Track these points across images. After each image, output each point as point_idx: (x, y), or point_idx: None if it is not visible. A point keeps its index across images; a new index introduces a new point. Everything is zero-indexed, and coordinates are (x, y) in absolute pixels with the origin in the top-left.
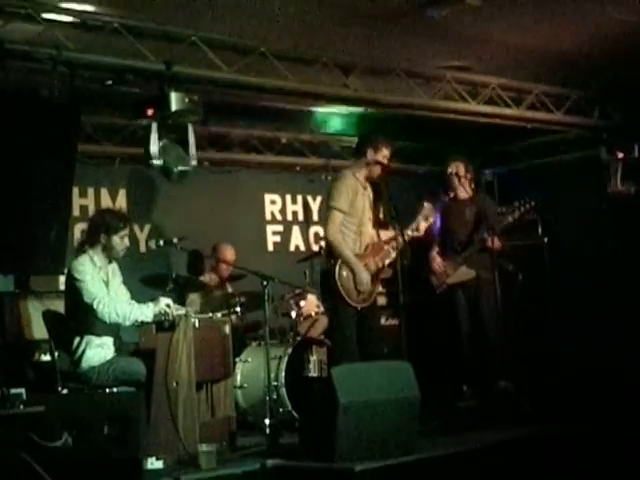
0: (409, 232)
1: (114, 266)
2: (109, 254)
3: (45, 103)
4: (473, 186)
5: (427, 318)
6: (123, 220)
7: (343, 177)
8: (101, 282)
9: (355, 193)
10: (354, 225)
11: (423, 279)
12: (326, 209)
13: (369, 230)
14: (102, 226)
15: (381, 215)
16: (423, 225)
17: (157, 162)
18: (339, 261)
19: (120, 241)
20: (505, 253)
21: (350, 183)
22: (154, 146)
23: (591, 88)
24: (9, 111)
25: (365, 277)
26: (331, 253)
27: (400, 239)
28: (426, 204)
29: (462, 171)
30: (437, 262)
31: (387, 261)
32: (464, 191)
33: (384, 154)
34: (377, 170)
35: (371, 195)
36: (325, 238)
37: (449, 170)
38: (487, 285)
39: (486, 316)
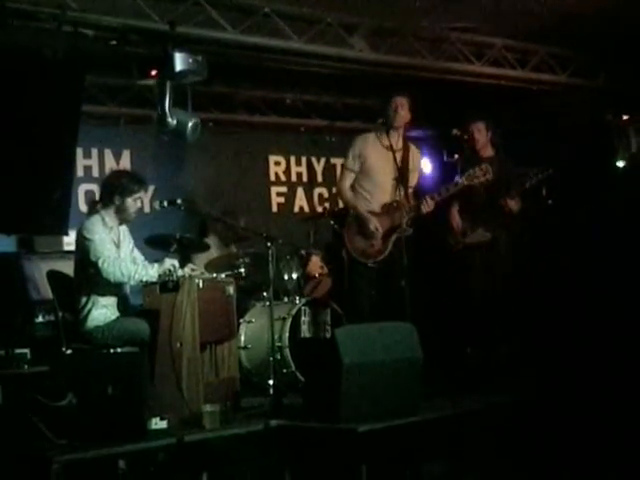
0: (443, 192)
1: (124, 229)
2: (122, 216)
3: (49, 63)
4: (494, 146)
5: (436, 276)
6: (139, 183)
7: (358, 139)
8: (111, 243)
9: (366, 154)
10: (369, 185)
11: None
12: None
13: (390, 191)
14: (117, 187)
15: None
16: (464, 183)
17: (172, 122)
18: (348, 218)
19: (133, 203)
20: (513, 215)
21: (363, 145)
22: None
23: (597, 50)
24: (13, 71)
25: (373, 227)
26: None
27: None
28: (483, 167)
29: (483, 129)
30: (456, 221)
31: (406, 219)
32: (486, 151)
33: (399, 102)
34: (399, 123)
35: (409, 156)
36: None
37: (471, 131)
38: (504, 247)
39: (501, 278)
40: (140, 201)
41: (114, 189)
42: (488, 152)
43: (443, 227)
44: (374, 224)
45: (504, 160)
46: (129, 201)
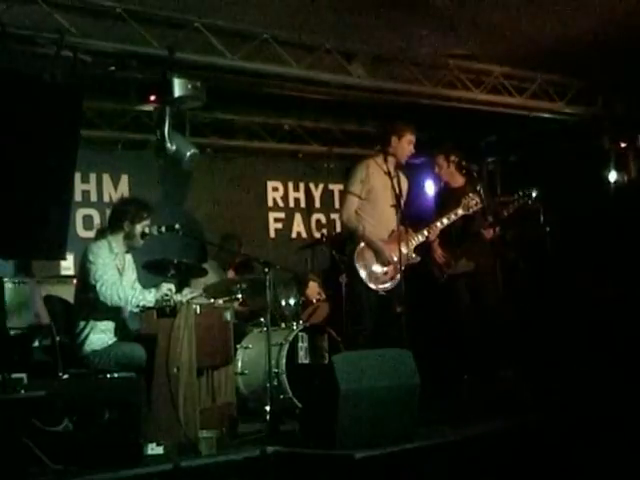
0: (445, 220)
1: (130, 259)
2: (130, 242)
3: (48, 88)
4: (464, 174)
5: (429, 306)
6: (147, 210)
7: (361, 164)
8: (114, 268)
9: (371, 180)
10: (373, 212)
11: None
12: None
13: (392, 218)
14: (127, 214)
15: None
16: (460, 213)
17: (172, 147)
18: (360, 245)
19: (142, 230)
20: (507, 241)
21: (367, 171)
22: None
23: (594, 77)
24: (12, 95)
25: (388, 255)
26: (350, 237)
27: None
28: (472, 194)
29: (442, 162)
30: (438, 253)
31: (412, 247)
32: (454, 180)
33: (409, 139)
34: (403, 156)
35: (400, 183)
36: (342, 222)
37: (434, 162)
38: (488, 274)
39: (487, 305)
40: (147, 228)
41: (124, 215)
42: (457, 182)
43: (427, 260)
44: (389, 253)
45: (480, 188)
46: (138, 228)
